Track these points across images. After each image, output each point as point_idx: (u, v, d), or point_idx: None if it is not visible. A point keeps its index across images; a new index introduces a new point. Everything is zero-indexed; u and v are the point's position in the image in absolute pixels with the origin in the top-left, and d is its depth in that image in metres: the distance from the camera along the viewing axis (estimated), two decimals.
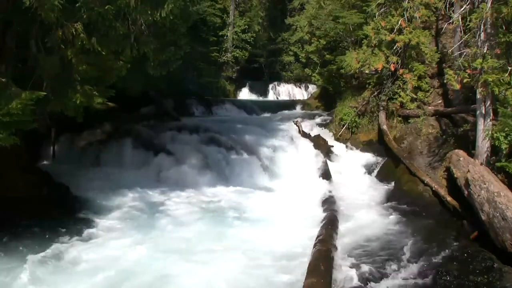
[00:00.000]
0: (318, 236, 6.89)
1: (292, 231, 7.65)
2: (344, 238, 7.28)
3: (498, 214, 6.26)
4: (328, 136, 13.69)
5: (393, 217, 8.51)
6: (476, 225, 7.17)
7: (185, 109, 17.30)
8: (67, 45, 6.70)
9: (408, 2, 11.58)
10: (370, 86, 13.35)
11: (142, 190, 9.72)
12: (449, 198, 8.58)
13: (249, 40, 24.09)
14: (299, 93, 24.30)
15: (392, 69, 12.18)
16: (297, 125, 14.12)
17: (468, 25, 8.08)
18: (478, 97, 8.02)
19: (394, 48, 11.92)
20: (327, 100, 18.17)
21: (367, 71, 12.92)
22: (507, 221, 6.06)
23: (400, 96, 12.24)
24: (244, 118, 16.53)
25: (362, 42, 13.27)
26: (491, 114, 7.86)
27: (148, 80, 11.81)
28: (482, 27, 7.75)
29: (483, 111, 7.94)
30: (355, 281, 5.86)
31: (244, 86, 24.51)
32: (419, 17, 11.57)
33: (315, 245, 6.51)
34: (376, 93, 12.96)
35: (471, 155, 8.32)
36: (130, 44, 7.56)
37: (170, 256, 6.51)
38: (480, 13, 7.60)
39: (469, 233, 7.35)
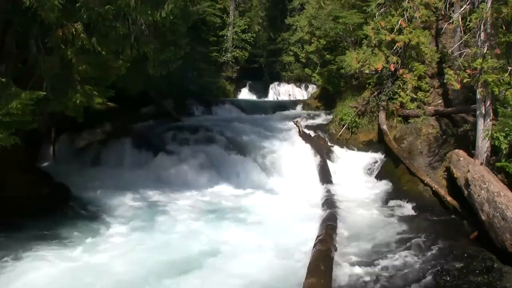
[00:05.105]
0: (318, 236, 6.89)
1: (293, 231, 7.64)
2: (344, 238, 7.27)
3: (498, 214, 6.26)
4: (328, 136, 13.70)
5: (393, 217, 8.51)
6: (476, 225, 7.17)
7: (185, 109, 17.27)
8: (67, 45, 6.70)
9: (408, 2, 11.58)
10: (370, 86, 13.36)
11: (142, 190, 9.72)
12: (449, 198, 8.58)
13: (249, 40, 24.05)
14: (299, 93, 24.27)
15: (392, 69, 12.19)
16: (297, 125, 14.11)
17: (468, 25, 8.08)
18: (478, 97, 8.02)
19: (394, 48, 11.93)
20: (327, 100, 18.16)
21: (367, 71, 12.92)
22: (507, 221, 6.06)
23: (400, 96, 12.25)
24: (244, 118, 16.50)
25: (362, 42, 13.27)
26: (491, 114, 7.86)
27: (148, 80, 11.80)
28: (482, 27, 7.75)
29: (483, 111, 7.95)
30: (355, 281, 5.87)
31: (244, 86, 24.48)
32: (419, 17, 11.58)
33: (315, 245, 6.51)
34: (376, 93, 12.96)
35: (471, 155, 8.32)
36: (130, 44, 7.56)
37: (170, 256, 6.50)
38: (480, 13, 7.60)
39: (469, 233, 7.36)
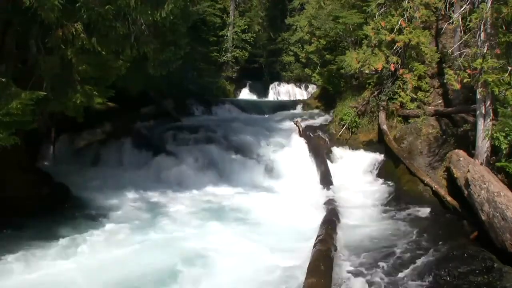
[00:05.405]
0: (318, 236, 6.89)
1: (293, 231, 7.64)
2: (344, 238, 7.27)
3: (498, 214, 6.26)
4: (328, 136, 13.69)
5: (393, 217, 8.51)
6: (476, 225, 7.17)
7: (185, 109, 17.26)
8: (67, 45, 6.70)
9: (408, 2, 11.58)
10: (370, 86, 13.34)
11: (142, 190, 9.74)
12: (449, 198, 8.58)
13: (249, 40, 24.04)
14: (299, 93, 24.25)
15: (392, 69, 12.17)
16: (297, 125, 14.10)
17: (468, 25, 8.08)
18: (478, 97, 8.02)
19: (394, 48, 11.92)
20: (327, 100, 18.13)
21: (367, 71, 12.90)
22: (507, 221, 6.06)
23: (400, 96, 12.24)
24: (244, 118, 16.50)
25: (362, 42, 13.26)
26: (491, 114, 7.86)
27: (148, 80, 11.80)
28: (482, 27, 7.75)
29: (483, 111, 7.95)
30: (355, 281, 5.87)
31: (244, 86, 24.46)
32: (419, 17, 11.57)
33: (315, 245, 6.51)
34: (376, 93, 12.95)
35: (471, 155, 8.32)
36: (130, 44, 7.56)
37: (170, 256, 6.50)
38: (480, 13, 7.60)
39: (469, 233, 7.35)
